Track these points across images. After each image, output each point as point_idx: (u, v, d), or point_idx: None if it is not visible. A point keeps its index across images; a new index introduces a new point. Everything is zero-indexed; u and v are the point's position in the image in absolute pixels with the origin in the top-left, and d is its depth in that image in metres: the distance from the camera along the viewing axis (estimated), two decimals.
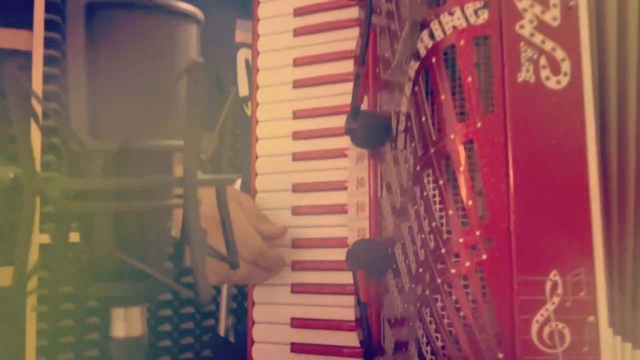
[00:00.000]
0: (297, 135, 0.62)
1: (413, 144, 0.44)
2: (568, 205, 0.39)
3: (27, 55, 1.43)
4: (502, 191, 0.39)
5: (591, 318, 0.38)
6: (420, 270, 0.42)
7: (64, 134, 0.30)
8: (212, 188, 0.36)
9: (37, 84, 1.35)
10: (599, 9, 0.42)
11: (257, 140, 0.64)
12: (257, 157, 0.64)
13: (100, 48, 0.30)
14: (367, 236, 0.52)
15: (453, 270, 0.39)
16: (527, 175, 0.39)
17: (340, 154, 0.59)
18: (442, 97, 0.41)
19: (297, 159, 0.62)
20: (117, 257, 0.31)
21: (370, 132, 0.48)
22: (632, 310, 0.39)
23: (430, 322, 0.41)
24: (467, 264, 0.39)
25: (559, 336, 0.38)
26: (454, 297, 0.40)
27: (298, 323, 0.60)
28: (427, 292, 0.41)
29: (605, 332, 0.38)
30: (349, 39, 0.59)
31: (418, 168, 0.43)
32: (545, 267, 0.38)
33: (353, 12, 0.60)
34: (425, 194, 0.42)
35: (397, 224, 0.47)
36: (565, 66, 0.40)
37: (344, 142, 0.57)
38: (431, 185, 0.42)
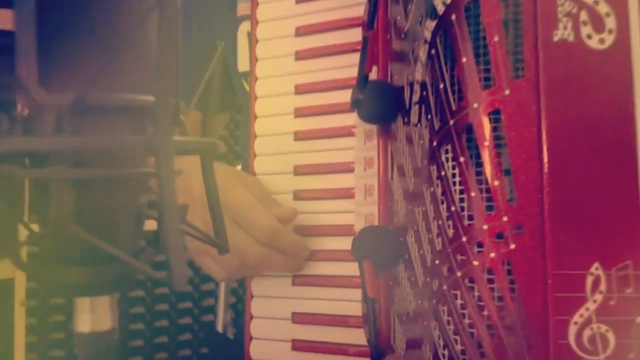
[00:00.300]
0: (299, 112, 0.56)
1: (429, 116, 0.38)
2: (613, 185, 0.33)
3: None
4: (534, 169, 0.33)
5: (639, 319, 0.32)
6: (437, 262, 0.36)
7: (9, 85, 0.25)
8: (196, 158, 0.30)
9: None
10: None
11: (255, 118, 0.58)
12: (255, 137, 0.58)
13: None
14: (376, 223, 0.47)
15: (475, 263, 0.34)
16: (564, 150, 0.33)
17: (347, 132, 0.53)
18: (464, 60, 0.35)
19: (299, 139, 0.56)
20: (78, 235, 0.26)
21: (380, 104, 0.43)
22: None
23: (448, 322, 0.35)
24: (492, 255, 0.33)
25: (602, 340, 0.32)
26: (476, 294, 0.34)
27: (300, 318, 0.55)
28: (445, 287, 0.35)
29: None
30: (357, 4, 0.53)
31: (435, 144, 0.37)
32: (585, 259, 0.32)
33: None
34: (442, 173, 0.36)
35: (409, 209, 0.41)
36: (610, 22, 0.34)
37: (352, 119, 0.52)
38: (450, 164, 0.36)
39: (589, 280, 0.32)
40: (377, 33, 0.46)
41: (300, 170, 0.56)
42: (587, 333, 0.32)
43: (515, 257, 0.33)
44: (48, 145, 0.24)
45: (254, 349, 0.56)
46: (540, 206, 0.33)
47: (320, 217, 0.54)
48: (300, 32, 0.57)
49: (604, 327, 0.32)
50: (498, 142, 0.34)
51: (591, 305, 0.32)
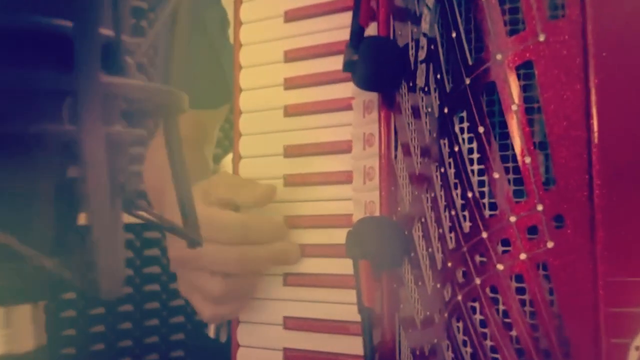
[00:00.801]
0: (289, 83, 0.48)
1: (438, 76, 0.29)
2: None
3: None
4: (580, 140, 0.25)
5: None
6: (449, 264, 0.28)
7: None
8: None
9: None
10: None
11: (240, 91, 0.50)
12: (240, 114, 0.50)
13: None
14: (377, 212, 0.38)
15: (500, 267, 0.25)
16: (621, 114, 0.25)
17: (345, 105, 0.45)
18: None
19: (290, 114, 0.48)
20: None
21: (379, 65, 0.34)
22: None
23: (464, 344, 0.27)
24: (523, 256, 0.25)
25: None
26: (501, 307, 0.26)
27: (292, 324, 0.47)
28: (460, 297, 0.27)
29: None
30: None
31: (446, 110, 0.28)
32: None
33: None
34: (456, 148, 0.27)
35: (416, 196, 0.33)
36: None
37: (350, 89, 0.43)
38: (465, 136, 0.27)
39: None
40: None
41: (291, 152, 0.47)
42: None
43: (554, 259, 0.25)
44: None
45: (242, 357, 0.49)
46: (589, 191, 0.24)
47: (314, 206, 0.46)
48: None
49: None
50: (530, 105, 0.26)
51: None
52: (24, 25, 0.17)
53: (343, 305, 0.45)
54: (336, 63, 0.44)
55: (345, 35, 0.44)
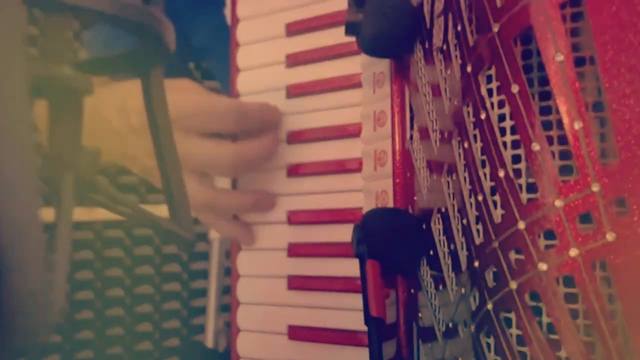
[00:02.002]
0: (292, 60, 0.42)
1: (459, 27, 0.23)
2: None
3: None
4: None
5: None
6: (476, 264, 0.22)
7: None
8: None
9: None
10: None
11: (238, 71, 0.45)
12: (238, 96, 0.45)
13: None
14: (390, 203, 0.33)
15: (543, 266, 0.19)
16: None
17: (355, 82, 0.39)
18: None
19: (293, 95, 0.42)
20: None
21: (385, 24, 0.28)
22: None
23: None
24: (574, 252, 0.19)
25: None
26: (545, 320, 0.20)
27: (298, 334, 0.41)
28: (490, 306, 0.21)
29: None
30: None
31: (469, 69, 0.22)
32: None
33: None
34: (483, 115, 0.22)
35: (435, 181, 0.27)
36: None
37: (358, 63, 0.38)
38: (495, 99, 0.21)
39: None
40: None
41: (294, 138, 0.42)
42: None
43: (616, 255, 0.18)
44: None
45: None
46: None
47: (320, 199, 0.41)
48: None
49: None
50: (579, 54, 0.20)
51: None
52: None
53: (354, 313, 0.39)
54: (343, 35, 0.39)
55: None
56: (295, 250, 0.42)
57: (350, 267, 0.39)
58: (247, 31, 0.44)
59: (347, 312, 0.39)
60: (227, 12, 0.47)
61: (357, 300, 0.39)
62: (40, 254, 0.14)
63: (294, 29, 0.42)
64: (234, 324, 0.44)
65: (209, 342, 0.55)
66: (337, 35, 0.40)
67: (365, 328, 0.36)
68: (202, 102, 0.39)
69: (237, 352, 0.44)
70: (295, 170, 0.42)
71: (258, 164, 0.41)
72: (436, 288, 0.27)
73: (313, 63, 0.41)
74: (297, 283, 0.42)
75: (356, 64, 0.38)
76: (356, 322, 0.38)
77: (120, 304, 0.97)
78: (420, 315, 0.30)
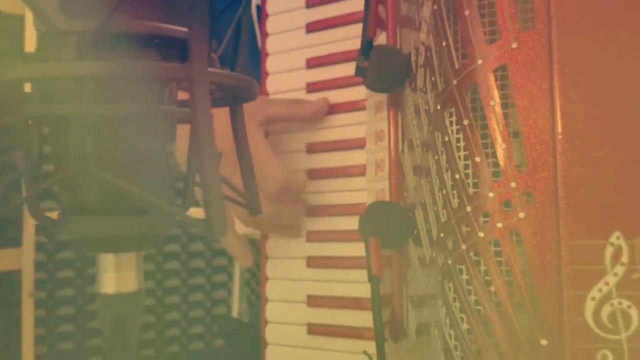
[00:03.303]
0: (312, 87, 0.54)
1: (433, 79, 0.35)
2: (637, 145, 0.29)
3: None
4: (546, 130, 0.30)
5: None
6: (442, 235, 0.33)
7: (30, 9, 0.23)
8: (223, 111, 0.28)
9: None
10: None
11: (267, 95, 0.56)
12: None
13: None
14: (387, 199, 0.44)
15: (481, 234, 0.31)
16: (579, 108, 0.30)
17: (361, 106, 0.50)
18: (467, 12, 0.32)
19: None
20: (100, 181, 0.24)
21: (385, 70, 0.40)
22: None
23: (454, 300, 0.32)
24: (500, 225, 0.30)
25: (624, 317, 0.28)
26: (482, 268, 0.31)
27: (315, 301, 0.53)
28: (450, 261, 0.32)
29: None
30: None
31: (438, 107, 0.34)
32: (604, 228, 0.29)
33: None
34: (446, 139, 0.33)
35: (417, 182, 0.38)
36: None
37: (364, 91, 0.49)
38: (454, 128, 0.33)
39: (609, 251, 0.29)
40: (386, 9, 0.44)
41: (312, 148, 0.53)
42: (606, 310, 0.29)
43: (524, 227, 0.30)
44: (70, 71, 0.22)
45: (270, 332, 0.55)
46: (553, 170, 0.30)
47: (334, 196, 0.52)
48: (311, 3, 0.54)
49: (626, 303, 0.29)
50: (505, 101, 0.31)
51: (611, 279, 0.29)
52: (151, 30, 0.23)
53: (360, 284, 0.50)
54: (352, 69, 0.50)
55: (358, 43, 0.50)
56: (313, 237, 0.53)
57: (356, 249, 0.50)
58: (274, 64, 0.56)
59: (353, 284, 0.50)
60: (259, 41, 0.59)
61: (361, 274, 0.50)
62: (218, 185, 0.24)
63: (313, 63, 0.54)
64: (263, 296, 0.55)
65: (235, 313, 0.66)
66: (347, 69, 0.51)
67: (367, 295, 0.47)
68: (260, 155, 0.48)
69: (265, 318, 0.55)
70: (314, 174, 0.53)
71: (277, 220, 0.51)
72: (421, 265, 0.38)
73: (328, 90, 0.53)
74: (314, 262, 0.53)
75: (361, 92, 0.50)
76: (361, 291, 0.49)
77: (152, 277, 1.06)
78: (409, 285, 0.41)
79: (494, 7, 0.31)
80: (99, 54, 0.23)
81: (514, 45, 0.31)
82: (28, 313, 1.35)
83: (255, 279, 0.70)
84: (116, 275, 0.26)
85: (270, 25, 0.56)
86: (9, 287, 1.37)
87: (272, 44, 0.56)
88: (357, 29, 0.51)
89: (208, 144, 0.23)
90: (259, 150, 0.48)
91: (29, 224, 1.39)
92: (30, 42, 1.39)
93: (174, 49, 0.25)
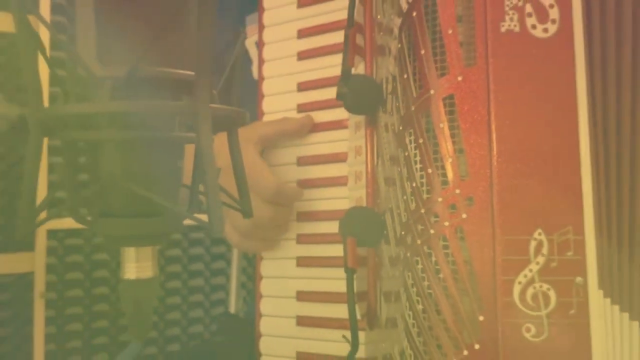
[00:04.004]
0: (301, 108, 0.61)
1: (397, 104, 0.42)
2: (555, 160, 0.37)
3: None
4: (484, 147, 0.37)
5: (579, 279, 0.35)
6: (403, 232, 0.40)
7: (71, 61, 0.30)
8: (220, 135, 0.35)
9: (44, 13, 1.38)
10: None
11: (263, 114, 0.64)
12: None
13: None
14: (364, 204, 0.51)
15: (432, 231, 0.38)
16: (510, 130, 0.37)
17: (344, 125, 0.58)
18: (423, 51, 0.39)
19: None
20: (126, 191, 0.30)
21: (361, 96, 0.47)
22: (625, 272, 0.36)
23: (412, 286, 0.39)
24: (447, 223, 0.37)
25: (544, 298, 0.36)
26: (433, 259, 0.38)
27: (304, 296, 0.59)
28: (409, 254, 0.39)
29: (595, 294, 0.35)
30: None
31: (401, 128, 0.41)
32: (529, 226, 0.36)
33: None
34: (407, 154, 0.40)
35: (387, 191, 0.45)
36: (554, 13, 0.38)
37: (346, 112, 0.56)
38: (412, 145, 0.40)
39: (532, 245, 0.36)
40: (364, 30, 0.51)
41: (303, 161, 0.61)
42: (530, 291, 0.36)
43: (467, 225, 0.37)
44: (105, 108, 0.29)
45: (263, 325, 0.62)
46: (489, 180, 0.37)
47: (320, 203, 0.59)
48: (302, 34, 0.62)
49: (545, 286, 0.36)
50: (452, 124, 0.38)
51: (534, 267, 0.36)
52: (168, 75, 0.31)
53: (344, 281, 0.57)
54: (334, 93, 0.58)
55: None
56: (302, 239, 0.60)
57: (340, 250, 0.57)
58: (270, 87, 0.63)
59: (337, 280, 0.57)
60: (254, 69, 0.66)
61: (343, 272, 0.57)
62: (218, 196, 0.31)
63: (303, 87, 0.61)
64: (257, 292, 0.62)
65: (232, 309, 0.72)
66: (333, 92, 0.58)
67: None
68: (253, 164, 0.55)
69: (260, 312, 0.62)
70: (302, 184, 0.60)
71: (275, 221, 0.57)
72: (392, 265, 0.45)
73: (316, 110, 0.60)
74: (303, 262, 0.60)
75: (344, 113, 0.57)
76: (344, 287, 0.56)
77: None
78: (383, 282, 0.48)
79: (444, 47, 0.39)
80: (127, 94, 0.30)
81: (460, 79, 0.38)
82: (39, 312, 1.42)
83: (251, 281, 0.77)
84: (136, 265, 0.33)
85: (266, 52, 0.64)
86: (23, 288, 1.45)
87: (267, 69, 0.64)
88: (339, 57, 0.59)
89: (210, 162, 0.31)
90: (255, 164, 0.56)
91: (41, 230, 1.46)
92: (43, 62, 1.46)
93: (184, 86, 0.32)
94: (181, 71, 0.31)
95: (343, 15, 0.59)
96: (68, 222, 1.48)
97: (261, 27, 0.65)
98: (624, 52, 0.37)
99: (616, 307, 0.35)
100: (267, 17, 0.64)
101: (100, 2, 0.30)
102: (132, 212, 0.32)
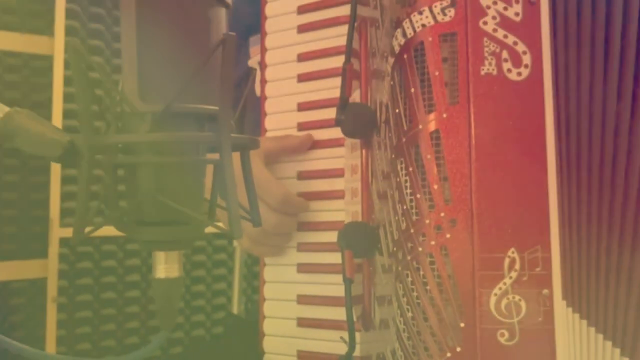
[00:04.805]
0: (301, 127, 0.66)
1: (390, 134, 0.48)
2: (527, 189, 0.42)
3: None
4: (465, 176, 0.43)
5: (545, 291, 0.41)
6: (395, 248, 0.46)
7: (118, 98, 0.36)
8: (235, 156, 0.40)
9: (59, 19, 1.51)
10: (563, 2, 0.44)
11: (265, 131, 0.69)
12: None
13: (148, 26, 0.36)
14: (360, 219, 0.57)
15: (420, 249, 0.43)
16: (488, 162, 0.43)
17: (340, 143, 0.63)
18: (412, 90, 0.45)
19: None
20: (160, 203, 0.36)
21: (357, 123, 0.53)
22: (584, 285, 0.42)
23: (403, 296, 0.45)
24: (433, 242, 0.43)
25: (515, 307, 0.41)
26: (421, 273, 0.44)
27: (304, 300, 0.65)
28: (400, 268, 0.45)
29: (559, 304, 0.41)
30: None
31: (393, 156, 0.47)
32: (504, 245, 0.42)
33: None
34: (398, 180, 0.46)
35: (380, 208, 0.51)
36: (526, 59, 0.43)
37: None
38: (403, 172, 0.46)
39: (507, 262, 0.42)
40: (360, 62, 0.56)
41: (303, 175, 0.66)
42: (504, 302, 0.41)
43: (450, 244, 0.43)
44: (148, 138, 0.35)
45: (267, 325, 0.67)
46: (470, 205, 0.43)
47: (319, 215, 0.65)
48: (302, 58, 0.67)
49: (517, 297, 0.41)
50: (438, 155, 0.44)
51: (508, 281, 0.42)
52: (196, 109, 0.36)
53: (340, 286, 0.62)
54: (332, 113, 0.63)
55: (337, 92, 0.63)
56: (302, 247, 0.65)
57: (337, 257, 0.62)
58: (272, 106, 0.68)
59: (334, 285, 0.63)
60: (257, 87, 0.71)
61: (340, 278, 0.62)
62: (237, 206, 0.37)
63: (303, 107, 0.66)
64: (261, 295, 0.68)
65: (234, 310, 0.78)
66: (330, 112, 0.64)
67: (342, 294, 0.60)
68: (261, 176, 0.61)
69: (263, 314, 0.67)
70: (302, 196, 0.66)
71: (281, 228, 0.63)
72: (384, 272, 0.51)
73: (315, 129, 0.65)
74: (303, 268, 0.65)
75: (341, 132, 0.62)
76: (340, 291, 0.62)
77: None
78: (377, 288, 0.54)
79: (431, 87, 0.44)
80: (164, 126, 0.35)
81: (444, 116, 0.44)
82: (51, 316, 1.49)
83: (250, 288, 0.83)
84: (165, 266, 0.38)
85: (268, 74, 0.69)
86: (36, 293, 1.52)
87: (269, 90, 0.69)
88: (336, 80, 0.64)
89: (231, 181, 0.36)
90: (263, 175, 0.61)
91: (54, 238, 1.53)
92: (57, 81, 1.53)
93: (209, 119, 0.38)
94: (208, 107, 0.37)
95: (340, 41, 0.64)
96: None
97: (263, 50, 0.70)
98: (583, 94, 0.43)
99: (577, 315, 0.41)
100: (269, 41, 0.70)
101: (142, 47, 0.36)
102: (163, 221, 0.38)
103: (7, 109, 0.37)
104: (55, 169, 1.52)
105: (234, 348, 0.77)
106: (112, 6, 1.69)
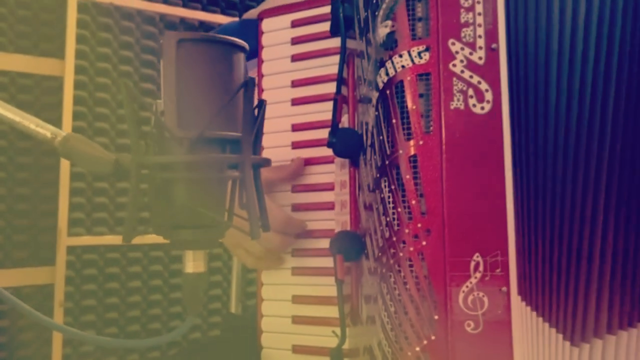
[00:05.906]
0: (295, 145, 0.75)
1: (375, 157, 0.56)
2: (489, 205, 0.51)
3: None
4: (438, 193, 0.51)
5: (504, 288, 0.50)
6: (379, 254, 0.54)
7: (160, 126, 0.44)
8: None
9: (69, 58, 1.65)
10: (517, 50, 0.53)
11: (262, 149, 0.77)
12: None
13: (185, 68, 0.44)
14: (349, 228, 0.65)
15: (401, 254, 0.52)
16: (457, 182, 0.51)
17: (331, 159, 0.71)
18: (394, 120, 0.53)
19: None
20: (193, 210, 0.44)
21: (346, 146, 0.61)
22: (533, 282, 0.51)
23: (387, 294, 0.53)
24: (411, 249, 0.51)
25: (480, 302, 0.50)
26: (402, 274, 0.52)
27: (298, 300, 0.73)
28: (384, 270, 0.53)
29: (515, 299, 0.50)
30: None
31: (377, 175, 0.55)
32: (470, 251, 0.50)
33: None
34: (382, 195, 0.54)
35: (366, 218, 0.59)
36: (488, 95, 0.52)
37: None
38: (387, 189, 0.54)
39: (472, 264, 0.50)
40: (348, 92, 0.65)
41: (297, 189, 0.74)
42: (470, 297, 0.50)
43: (426, 250, 0.51)
44: (184, 159, 0.44)
45: (264, 323, 0.75)
46: (442, 217, 0.51)
47: (312, 224, 0.73)
48: (295, 84, 0.75)
49: (481, 294, 0.50)
50: (415, 175, 0.52)
51: (473, 280, 0.50)
52: (220, 135, 0.44)
53: (331, 287, 0.70)
54: (325, 133, 0.71)
55: (329, 115, 0.71)
56: (296, 253, 0.73)
57: (327, 262, 0.70)
58: (268, 127, 0.76)
59: (326, 286, 0.71)
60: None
61: (330, 280, 0.70)
62: (257, 212, 0.46)
63: (297, 128, 0.74)
64: (259, 296, 0.75)
65: (233, 309, 0.86)
66: (322, 132, 0.72)
67: (335, 294, 0.68)
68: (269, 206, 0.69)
69: (261, 313, 0.75)
70: (297, 207, 0.74)
71: (284, 247, 0.71)
72: (368, 270, 0.59)
73: (307, 148, 0.73)
74: (297, 271, 0.73)
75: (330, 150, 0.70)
76: (331, 291, 0.70)
77: (160, 291, 1.27)
78: (364, 287, 0.62)
79: (410, 118, 0.53)
80: (197, 149, 0.44)
81: (421, 143, 0.52)
82: (58, 320, 1.56)
83: (244, 294, 0.91)
84: (193, 263, 0.46)
85: (265, 97, 0.77)
86: (44, 298, 1.59)
87: (266, 112, 0.77)
88: (327, 104, 0.73)
89: (251, 193, 0.44)
90: (267, 203, 0.70)
91: (62, 247, 1.61)
92: (67, 100, 1.60)
93: (233, 143, 0.46)
94: (233, 133, 0.45)
95: (329, 70, 0.73)
96: (85, 240, 1.64)
97: (260, 75, 0.78)
98: (538, 125, 0.52)
99: (529, 308, 0.50)
100: (265, 68, 0.78)
101: (180, 86, 0.44)
102: (191, 224, 0.46)
103: (64, 133, 0.44)
104: (64, 182, 1.60)
105: (233, 343, 0.85)
106: (119, 32, 1.77)
